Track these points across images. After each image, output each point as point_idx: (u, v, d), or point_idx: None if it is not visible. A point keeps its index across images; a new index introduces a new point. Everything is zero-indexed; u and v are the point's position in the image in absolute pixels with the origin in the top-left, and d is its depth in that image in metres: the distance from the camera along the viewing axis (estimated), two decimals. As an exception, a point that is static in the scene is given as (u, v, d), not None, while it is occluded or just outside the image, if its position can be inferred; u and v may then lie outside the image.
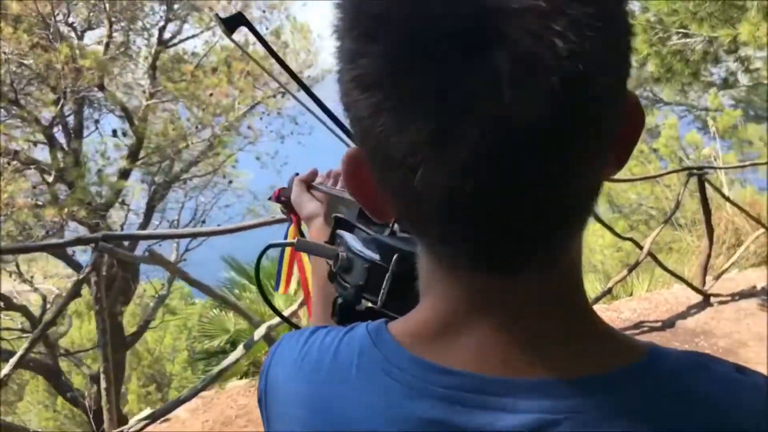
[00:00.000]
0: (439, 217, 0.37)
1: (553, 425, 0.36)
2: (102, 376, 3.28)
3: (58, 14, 5.99)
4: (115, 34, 6.82)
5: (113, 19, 6.52)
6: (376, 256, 0.66)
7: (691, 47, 4.99)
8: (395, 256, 0.64)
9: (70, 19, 6.59)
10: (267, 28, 8.33)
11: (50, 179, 6.22)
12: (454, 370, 0.39)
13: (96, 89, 6.52)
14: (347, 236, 0.71)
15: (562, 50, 0.31)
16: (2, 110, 5.82)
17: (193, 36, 7.90)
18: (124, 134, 7.52)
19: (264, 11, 8.23)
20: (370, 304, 0.66)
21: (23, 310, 8.14)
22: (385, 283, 0.64)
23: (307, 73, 9.21)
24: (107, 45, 6.54)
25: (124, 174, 7.43)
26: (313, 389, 0.43)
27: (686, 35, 4.95)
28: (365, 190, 0.42)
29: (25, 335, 9.31)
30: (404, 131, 0.34)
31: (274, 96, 8.18)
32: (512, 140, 0.33)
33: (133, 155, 7.43)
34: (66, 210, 5.87)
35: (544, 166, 0.34)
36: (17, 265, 8.56)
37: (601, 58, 0.33)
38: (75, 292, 3.31)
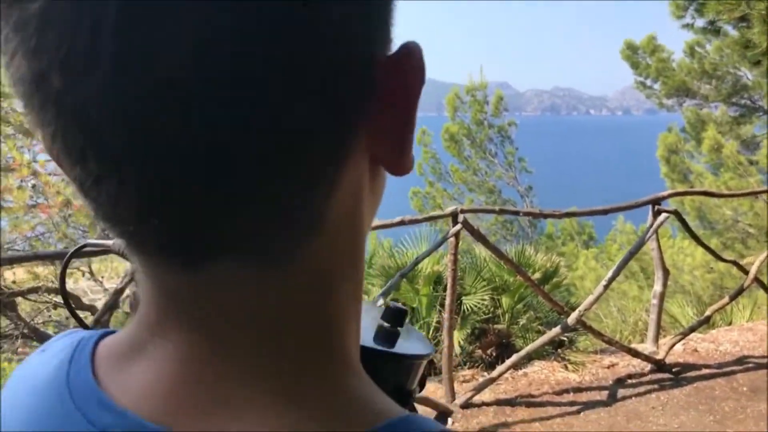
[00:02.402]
0: (82, 176, 0.29)
1: None
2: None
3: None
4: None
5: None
6: None
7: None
8: None
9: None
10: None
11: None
12: (113, 406, 0.31)
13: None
14: None
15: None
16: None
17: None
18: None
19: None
20: None
21: (92, 310, 8.24)
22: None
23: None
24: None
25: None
26: (12, 390, 0.37)
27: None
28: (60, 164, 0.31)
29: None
30: (9, 72, 0.28)
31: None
32: (89, 64, 0.25)
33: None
34: None
35: (158, 104, 0.26)
36: (89, 265, 8.73)
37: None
38: (112, 304, 3.10)
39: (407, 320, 0.53)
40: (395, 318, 0.50)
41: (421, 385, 0.53)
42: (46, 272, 7.08)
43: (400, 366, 0.49)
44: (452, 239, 3.77)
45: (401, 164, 0.33)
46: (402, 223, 3.64)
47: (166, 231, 0.29)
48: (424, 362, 0.51)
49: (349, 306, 0.35)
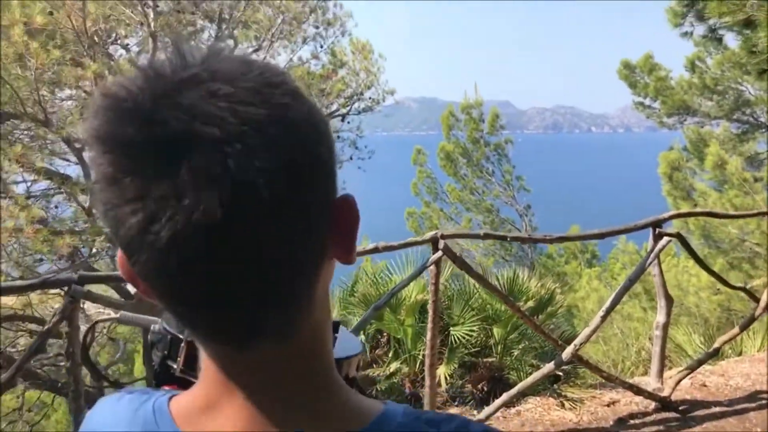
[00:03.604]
0: (167, 294, 0.47)
1: None
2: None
3: (96, 30, 5.69)
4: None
5: (158, 37, 6.16)
6: (174, 330, 0.79)
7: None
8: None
9: (113, 38, 6.31)
10: (322, 46, 7.82)
11: (86, 204, 5.89)
12: None
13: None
14: (167, 315, 0.76)
15: (234, 167, 0.42)
16: (27, 131, 5.54)
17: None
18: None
19: (318, 27, 7.74)
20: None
21: (60, 336, 7.81)
22: (180, 351, 0.76)
23: (367, 94, 8.63)
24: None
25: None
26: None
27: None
28: (134, 281, 0.49)
29: (60, 362, 9.11)
30: (123, 224, 0.44)
31: (329, 117, 7.59)
32: (194, 230, 0.42)
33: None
34: (81, 239, 5.46)
35: (230, 251, 0.43)
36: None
37: (274, 174, 0.43)
38: (39, 347, 2.74)
39: (340, 325, 0.78)
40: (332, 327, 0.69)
41: (358, 369, 0.80)
42: (16, 301, 6.73)
43: (340, 366, 0.73)
44: (432, 267, 3.42)
45: (350, 261, 0.52)
46: (376, 250, 3.30)
47: (230, 332, 0.47)
48: (358, 357, 0.79)
49: (330, 347, 0.55)
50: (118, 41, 6.77)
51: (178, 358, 0.76)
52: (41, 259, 5.59)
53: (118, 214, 0.43)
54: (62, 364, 9.17)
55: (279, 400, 0.49)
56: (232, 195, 0.41)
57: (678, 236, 3.99)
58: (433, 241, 3.41)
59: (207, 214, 0.41)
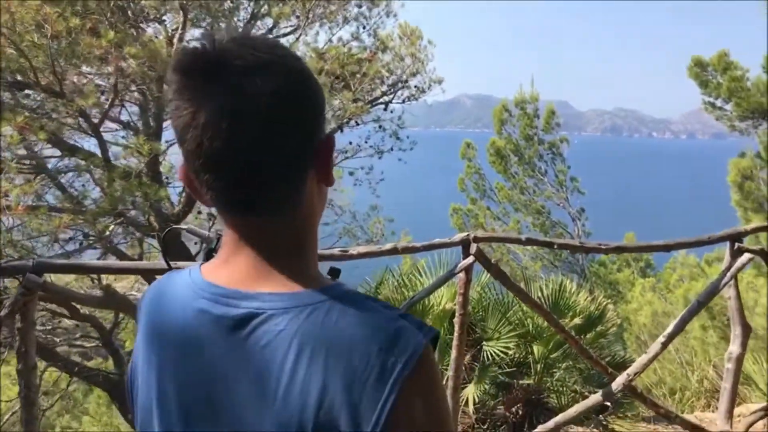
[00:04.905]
0: (200, 179, 0.77)
1: (256, 315, 0.74)
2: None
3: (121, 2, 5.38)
4: (195, 31, 6.13)
5: (189, 12, 5.82)
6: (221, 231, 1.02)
7: None
8: None
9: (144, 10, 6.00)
10: (365, 27, 7.34)
11: (105, 181, 5.61)
12: (218, 285, 0.79)
13: (157, 84, 5.85)
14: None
15: (234, 100, 0.73)
16: (41, 101, 5.27)
17: (284, 35, 7.07)
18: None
19: (361, 6, 7.25)
20: None
21: (91, 320, 7.70)
22: (221, 242, 0.97)
23: (413, 82, 8.10)
24: (180, 38, 5.85)
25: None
26: (155, 304, 0.87)
27: None
28: (191, 183, 0.80)
29: (93, 344, 9.01)
30: (177, 128, 0.75)
31: (370, 104, 7.08)
32: (214, 135, 0.73)
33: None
34: (81, 219, 5.14)
35: (243, 148, 0.74)
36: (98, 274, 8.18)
37: (257, 109, 0.74)
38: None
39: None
40: (335, 272, 0.94)
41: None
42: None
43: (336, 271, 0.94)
44: (462, 275, 2.90)
45: (328, 181, 0.82)
46: (395, 251, 2.81)
47: (242, 204, 0.77)
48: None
49: (312, 240, 0.83)
50: (153, 18, 6.47)
51: (218, 248, 0.97)
52: (56, 241, 5.29)
53: (177, 122, 0.75)
54: (87, 345, 8.98)
55: (269, 258, 0.78)
56: (233, 113, 0.72)
57: (762, 253, 3.34)
58: (464, 245, 2.89)
59: (219, 125, 0.72)
